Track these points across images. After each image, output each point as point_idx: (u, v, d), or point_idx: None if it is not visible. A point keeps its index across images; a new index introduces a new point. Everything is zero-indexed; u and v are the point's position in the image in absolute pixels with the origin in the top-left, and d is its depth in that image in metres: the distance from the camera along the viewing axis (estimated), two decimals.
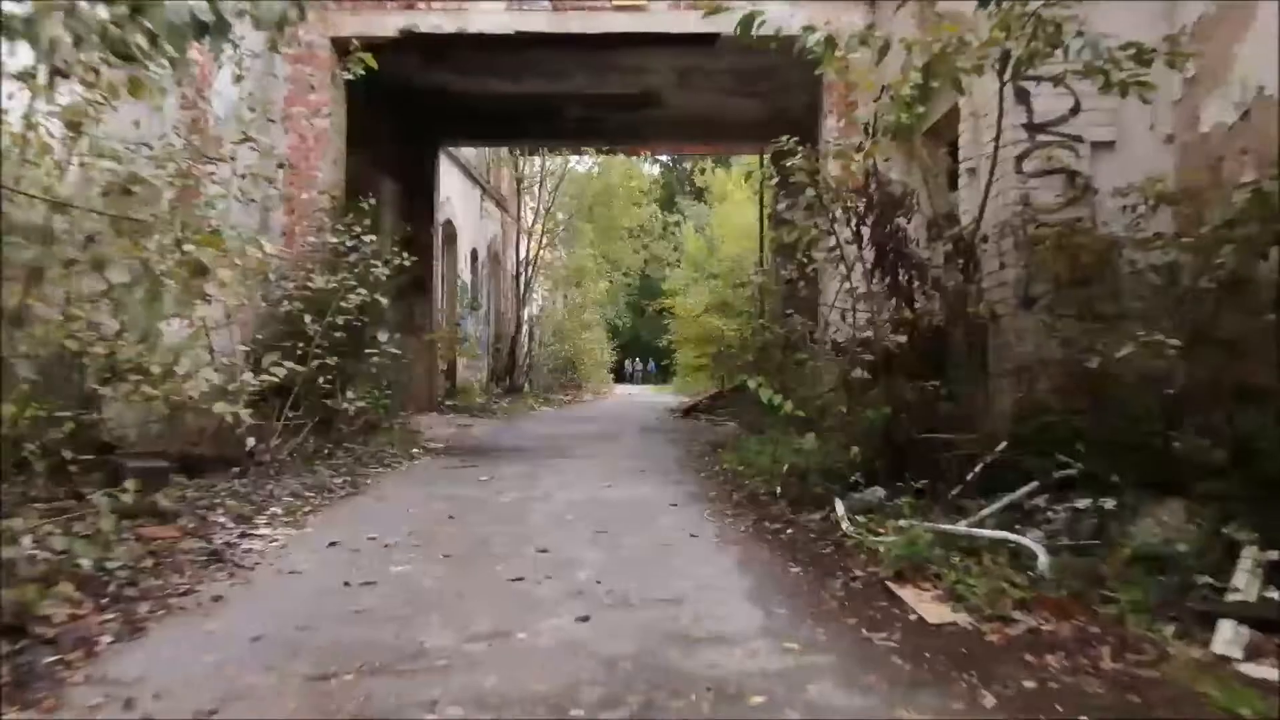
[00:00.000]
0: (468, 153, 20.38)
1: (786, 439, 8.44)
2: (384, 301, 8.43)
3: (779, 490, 6.45)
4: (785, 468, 6.81)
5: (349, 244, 8.82)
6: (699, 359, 24.23)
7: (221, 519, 5.57)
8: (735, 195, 31.93)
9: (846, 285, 7.03)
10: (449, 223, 18.77)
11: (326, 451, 8.52)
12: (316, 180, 10.61)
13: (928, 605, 3.88)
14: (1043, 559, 4.14)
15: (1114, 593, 3.76)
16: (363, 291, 8.52)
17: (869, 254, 6.50)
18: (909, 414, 5.63)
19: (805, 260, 7.78)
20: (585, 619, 3.73)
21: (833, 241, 6.91)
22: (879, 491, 5.76)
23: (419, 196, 16.09)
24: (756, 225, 23.96)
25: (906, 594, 4.04)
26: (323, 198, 10.33)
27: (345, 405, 7.94)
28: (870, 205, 6.32)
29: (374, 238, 8.85)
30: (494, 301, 24.13)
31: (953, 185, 7.70)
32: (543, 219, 25.02)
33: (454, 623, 3.68)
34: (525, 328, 25.19)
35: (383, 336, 7.98)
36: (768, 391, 5.88)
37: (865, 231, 6.50)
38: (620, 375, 46.11)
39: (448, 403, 16.77)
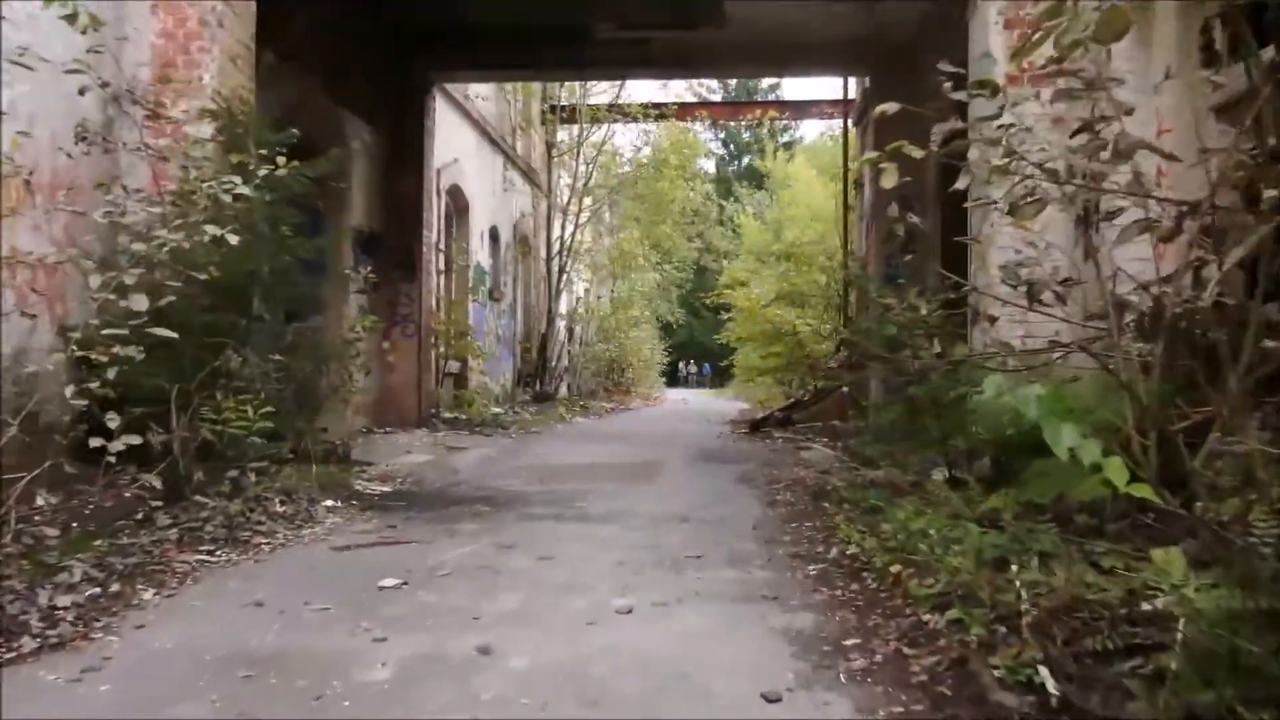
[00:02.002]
0: (485, 109, 16.68)
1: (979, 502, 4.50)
2: (228, 240, 4.60)
3: (1070, 702, 2.47)
4: (1031, 602, 2.87)
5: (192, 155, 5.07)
6: (765, 359, 20.28)
7: None
8: (801, 175, 27.80)
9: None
10: (457, 190, 15.07)
11: (140, 515, 4.80)
12: (201, 88, 6.91)
13: None
14: None
15: None
16: (208, 229, 4.76)
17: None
18: None
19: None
20: None
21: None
22: None
23: (407, 150, 12.42)
24: (831, 203, 19.96)
25: None
26: (206, 115, 6.57)
27: (109, 442, 4.12)
28: None
29: (215, 133, 5.09)
30: (521, 292, 20.40)
31: None
32: (579, 194, 21.21)
33: None
34: (560, 323, 21.42)
35: (139, 305, 4.15)
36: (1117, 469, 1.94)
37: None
38: (673, 378, 42.38)
39: (446, 415, 13.04)
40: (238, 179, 4.93)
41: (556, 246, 20.96)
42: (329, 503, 6.05)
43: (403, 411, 12.01)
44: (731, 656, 3.15)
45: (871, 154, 3.40)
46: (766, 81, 48.28)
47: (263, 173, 5.03)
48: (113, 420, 4.07)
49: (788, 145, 40.09)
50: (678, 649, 3.22)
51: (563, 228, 21.15)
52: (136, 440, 4.24)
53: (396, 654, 3.13)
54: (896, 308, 4.89)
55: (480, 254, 16.74)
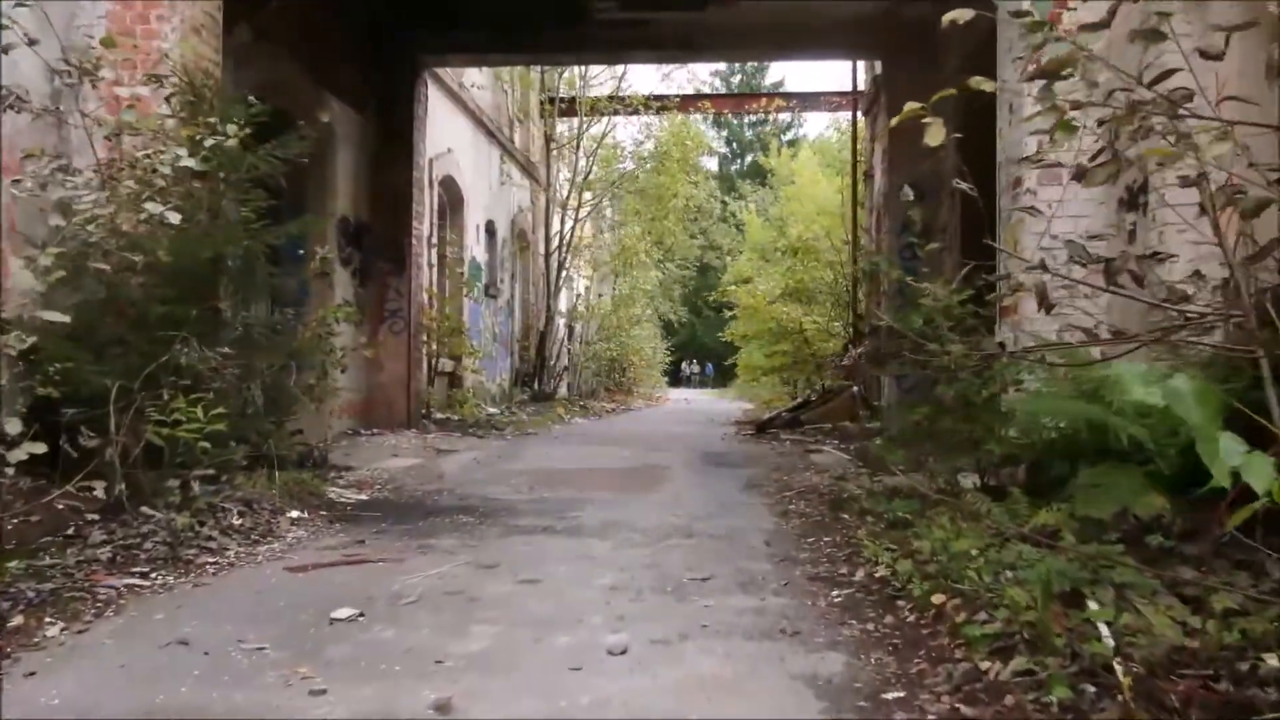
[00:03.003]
0: (481, 98, 16.08)
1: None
2: (170, 219, 4.02)
3: None
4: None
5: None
6: (771, 358, 19.71)
7: None
8: (806, 170, 27.16)
9: None
10: (450, 181, 14.48)
11: (70, 531, 4.22)
12: (160, 58, 6.31)
13: None
14: None
15: None
16: (149, 207, 4.18)
17: None
18: None
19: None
20: None
21: None
22: None
23: (397, 138, 11.82)
24: (838, 198, 19.37)
25: None
26: (152, 80, 5.94)
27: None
28: None
29: (178, 106, 4.51)
30: (520, 289, 19.80)
31: None
32: (579, 189, 20.61)
33: None
34: (559, 321, 20.84)
35: (23, 283, 3.56)
36: None
37: None
38: (675, 378, 41.80)
39: (438, 415, 12.46)
40: (182, 151, 4.34)
41: (556, 242, 20.37)
42: (295, 514, 5.46)
43: (392, 412, 11.43)
44: (747, 715, 2.56)
45: (914, 104, 2.81)
46: (770, 79, 47.75)
47: (209, 143, 4.43)
48: (11, 424, 3.49)
49: (791, 143, 39.48)
50: (680, 703, 2.63)
51: (562, 223, 20.57)
52: (40, 449, 3.64)
53: (335, 713, 2.54)
54: (929, 295, 4.29)
55: (476, 249, 16.15)
